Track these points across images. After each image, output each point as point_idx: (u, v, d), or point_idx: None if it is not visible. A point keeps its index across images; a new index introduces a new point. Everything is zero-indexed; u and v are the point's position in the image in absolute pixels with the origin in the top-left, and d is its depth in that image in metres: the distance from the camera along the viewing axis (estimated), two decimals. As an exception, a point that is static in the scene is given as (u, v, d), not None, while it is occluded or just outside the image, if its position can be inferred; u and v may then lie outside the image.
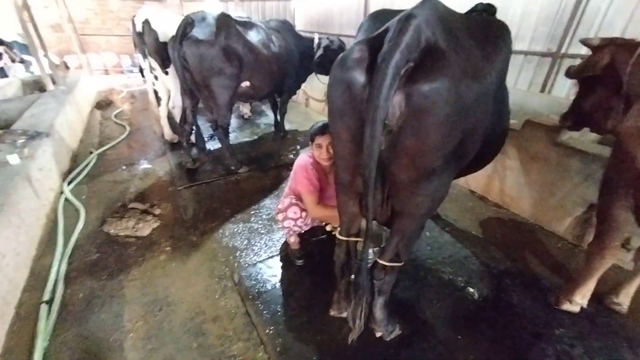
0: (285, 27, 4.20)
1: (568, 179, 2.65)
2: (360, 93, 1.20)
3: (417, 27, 1.11)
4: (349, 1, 6.89)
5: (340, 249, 1.77)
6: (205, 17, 3.28)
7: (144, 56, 3.97)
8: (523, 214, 3.08)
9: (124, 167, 3.97)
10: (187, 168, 3.88)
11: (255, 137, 5.06)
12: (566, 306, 2.06)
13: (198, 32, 3.13)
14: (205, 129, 5.04)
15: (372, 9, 6.43)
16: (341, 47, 4.34)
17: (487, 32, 1.45)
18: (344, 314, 1.93)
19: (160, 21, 3.71)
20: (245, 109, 5.92)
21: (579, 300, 2.02)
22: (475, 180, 3.48)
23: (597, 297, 2.08)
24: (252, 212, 3.10)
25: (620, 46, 1.96)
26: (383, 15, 1.51)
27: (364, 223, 1.73)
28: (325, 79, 4.87)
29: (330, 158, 2.09)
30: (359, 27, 1.65)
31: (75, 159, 4.07)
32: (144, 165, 4.07)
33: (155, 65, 3.91)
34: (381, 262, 1.63)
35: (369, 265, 1.64)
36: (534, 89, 4.07)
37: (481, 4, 2.55)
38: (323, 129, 2.02)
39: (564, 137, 2.64)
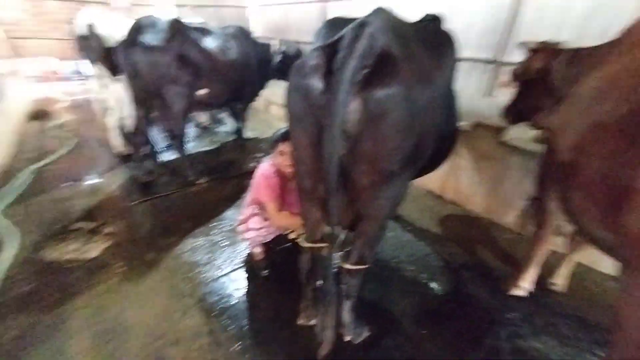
0: (243, 34, 4.14)
1: (512, 175, 2.90)
2: (318, 99, 1.21)
3: (370, 35, 1.14)
4: (307, 8, 6.99)
5: (305, 256, 1.75)
6: (155, 22, 3.14)
7: (92, 62, 3.69)
8: (476, 210, 3.30)
9: (67, 184, 3.62)
10: (141, 181, 3.64)
11: (215, 146, 4.89)
12: (515, 291, 2.23)
13: (149, 38, 2.99)
14: (161, 139, 4.79)
15: (330, 15, 6.58)
16: (298, 53, 4.37)
17: (435, 40, 1.54)
18: (313, 322, 1.91)
19: (106, 25, 3.48)
20: (203, 117, 5.71)
21: (526, 285, 2.21)
22: (432, 181, 3.66)
23: (541, 281, 2.27)
24: (213, 225, 2.98)
25: (550, 51, 2.22)
26: (339, 23, 1.55)
27: (327, 228, 1.74)
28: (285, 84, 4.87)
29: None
30: (316, 33, 1.67)
31: (6, 177, 3.63)
32: (92, 180, 3.74)
33: (103, 72, 3.64)
34: (347, 266, 1.64)
35: (335, 270, 1.64)
36: (481, 93, 4.41)
37: (429, 14, 2.73)
38: (286, 136, 2.01)
39: (506, 136, 2.89)
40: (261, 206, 2.24)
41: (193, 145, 4.81)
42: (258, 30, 8.50)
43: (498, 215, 3.11)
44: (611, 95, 1.24)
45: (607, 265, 2.43)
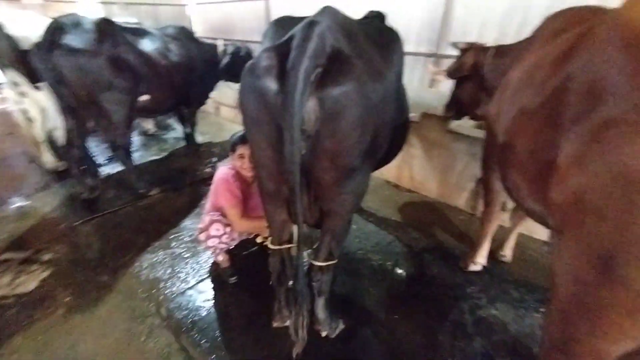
0: (185, 34, 3.92)
1: (460, 159, 3.14)
2: (273, 100, 1.19)
3: (321, 34, 1.15)
4: (250, 6, 6.82)
5: (274, 258, 1.73)
6: (80, 21, 2.83)
7: (1, 67, 3.22)
8: (431, 195, 3.52)
9: (-15, 210, 3.15)
10: (83, 199, 3.29)
11: (165, 153, 4.59)
12: (472, 267, 2.43)
13: (73, 40, 2.68)
14: (102, 150, 4.39)
15: (274, 14, 6.49)
16: (249, 54, 4.27)
17: (382, 37, 1.60)
18: (288, 323, 1.90)
19: (18, 24, 3.06)
20: (148, 124, 5.32)
21: (480, 260, 2.41)
22: (388, 171, 3.82)
23: (492, 254, 2.49)
24: (171, 237, 2.80)
25: (478, 50, 2.45)
26: (286, 22, 1.53)
27: (294, 228, 1.74)
28: (234, 85, 4.72)
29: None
30: (264, 34, 1.64)
31: None
32: (18, 203, 3.30)
33: (19, 79, 3.21)
34: (317, 263, 1.65)
35: (305, 268, 1.65)
36: (424, 85, 4.69)
37: (372, 11, 2.82)
38: (245, 138, 1.96)
39: (452, 125, 3.11)
40: (222, 212, 2.16)
41: (140, 155, 4.46)
42: (200, 30, 8.11)
43: (451, 198, 3.36)
44: (531, 85, 1.39)
45: (542, 233, 2.74)
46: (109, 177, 3.83)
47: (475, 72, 2.45)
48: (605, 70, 0.88)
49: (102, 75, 2.78)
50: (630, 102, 0.77)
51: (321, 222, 1.60)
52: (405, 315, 2.09)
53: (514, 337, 1.95)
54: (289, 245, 1.70)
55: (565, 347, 1.02)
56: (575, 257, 0.94)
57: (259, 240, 2.07)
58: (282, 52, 1.19)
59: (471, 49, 2.49)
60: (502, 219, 2.33)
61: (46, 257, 2.54)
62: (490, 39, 3.83)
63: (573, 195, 0.93)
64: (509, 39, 3.73)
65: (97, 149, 4.44)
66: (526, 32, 1.98)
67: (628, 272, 0.78)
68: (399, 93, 1.77)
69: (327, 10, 1.32)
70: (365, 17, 2.69)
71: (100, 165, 4.06)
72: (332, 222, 1.56)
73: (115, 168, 3.97)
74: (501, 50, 2.28)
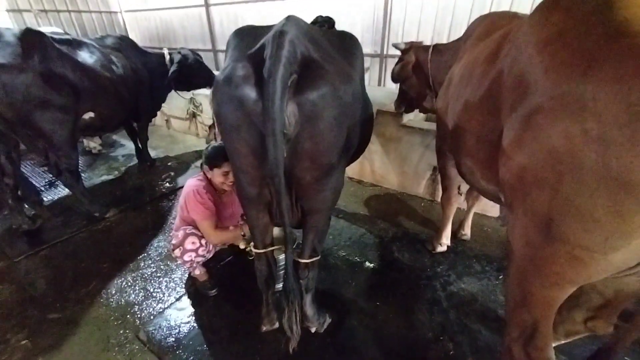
0: (127, 45, 3.69)
1: (415, 151, 3.39)
2: (253, 108, 1.23)
3: (291, 42, 1.22)
4: (190, 13, 6.61)
5: (260, 262, 1.75)
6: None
7: None
8: (393, 187, 3.74)
9: None
10: (23, 231, 2.94)
11: (117, 172, 4.26)
12: (439, 249, 2.65)
13: None
14: (38, 174, 3.95)
15: (216, 20, 6.36)
16: (198, 60, 4.14)
17: (343, 42, 1.70)
18: (277, 325, 1.92)
19: None
20: (92, 142, 4.88)
21: (445, 241, 2.64)
22: (351, 168, 3.98)
23: (453, 234, 2.75)
24: (139, 258, 2.64)
25: (419, 48, 2.67)
26: (249, 32, 1.57)
27: (276, 231, 1.77)
28: (185, 94, 4.53)
29: None
30: (227, 43, 1.65)
31: None
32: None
33: None
34: (302, 261, 1.70)
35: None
36: (373, 83, 4.98)
37: (321, 16, 2.93)
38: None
39: (405, 120, 3.36)
40: (194, 225, 2.12)
41: (88, 177, 4.10)
42: (139, 39, 7.64)
43: (411, 188, 3.61)
44: (471, 80, 1.57)
45: (494, 210, 3.09)
46: (54, 203, 3.47)
47: (418, 70, 2.67)
48: (527, 67, 1.05)
49: (32, 93, 2.51)
50: (547, 92, 0.94)
51: (302, 222, 1.66)
52: (385, 301, 2.23)
53: (482, 304, 2.18)
54: (274, 247, 1.74)
55: (524, 301, 1.19)
56: (523, 224, 1.10)
57: (241, 246, 2.05)
58: (255, 62, 1.24)
59: (411, 49, 2.71)
60: (459, 201, 2.58)
61: (-14, 301, 2.25)
62: (427, 39, 4.21)
63: (517, 173, 1.09)
64: (444, 38, 4.14)
65: (32, 173, 4.00)
66: (456, 31, 2.23)
67: (563, 229, 0.95)
68: (363, 92, 1.90)
69: (292, 20, 1.38)
70: (315, 22, 2.79)
71: (39, 192, 3.66)
72: (314, 220, 1.62)
73: (58, 193, 3.61)
74: (438, 49, 2.53)
